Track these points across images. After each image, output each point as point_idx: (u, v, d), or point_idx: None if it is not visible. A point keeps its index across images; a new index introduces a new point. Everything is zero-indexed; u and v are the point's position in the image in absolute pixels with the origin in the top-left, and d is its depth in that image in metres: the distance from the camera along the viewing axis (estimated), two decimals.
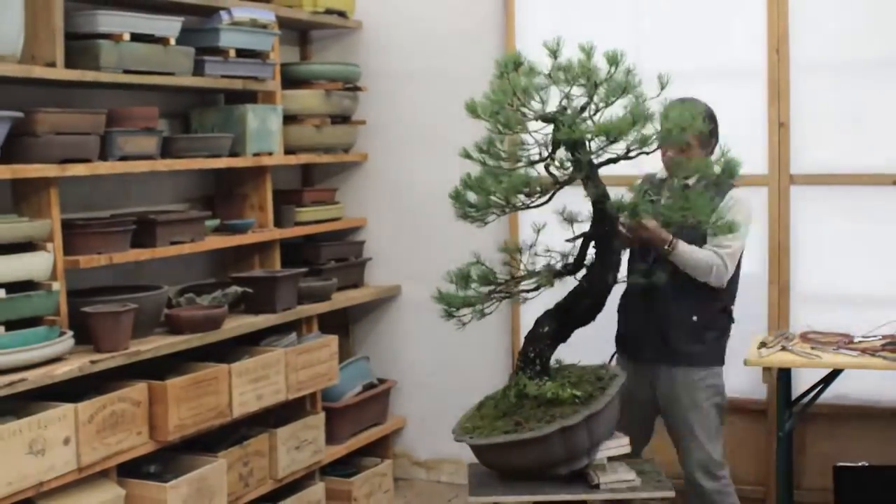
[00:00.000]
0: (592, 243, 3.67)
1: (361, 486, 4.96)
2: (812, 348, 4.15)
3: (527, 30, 5.05)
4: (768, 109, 4.65)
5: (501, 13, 5.11)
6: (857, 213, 4.61)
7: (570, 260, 3.71)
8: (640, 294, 3.98)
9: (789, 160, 4.64)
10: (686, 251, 3.84)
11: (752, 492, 4.72)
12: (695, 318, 3.95)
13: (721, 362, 4.04)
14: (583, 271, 3.68)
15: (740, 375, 4.48)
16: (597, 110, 3.45)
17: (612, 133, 3.38)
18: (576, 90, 3.46)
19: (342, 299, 5.07)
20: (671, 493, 3.66)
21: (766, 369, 4.11)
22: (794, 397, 4.37)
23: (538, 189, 3.51)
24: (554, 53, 3.47)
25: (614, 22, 4.82)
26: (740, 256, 3.97)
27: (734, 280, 4.00)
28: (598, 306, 3.67)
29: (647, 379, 4.05)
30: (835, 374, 4.19)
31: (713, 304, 3.98)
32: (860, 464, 4.37)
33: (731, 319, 4.06)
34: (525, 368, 3.65)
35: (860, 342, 4.18)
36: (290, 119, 4.96)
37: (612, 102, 3.43)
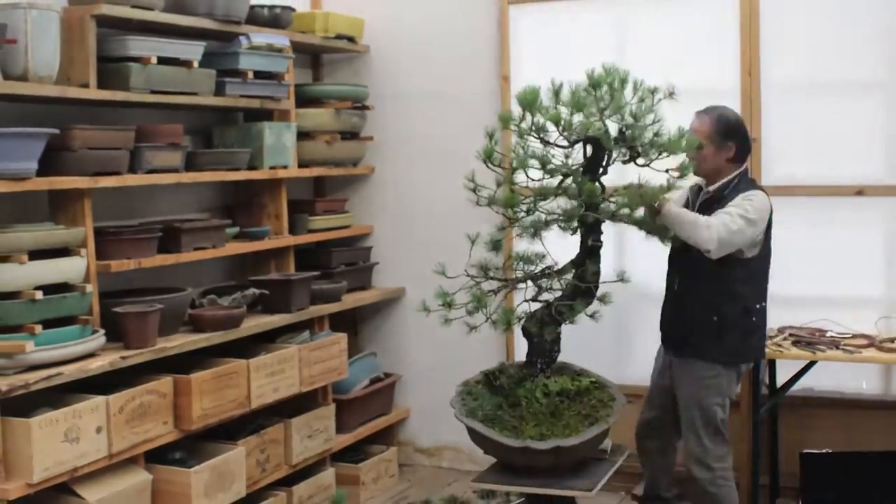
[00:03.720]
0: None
1: (368, 472, 4.96)
2: (794, 343, 4.17)
3: (520, 53, 5.06)
4: None
5: (497, 39, 5.11)
6: (823, 221, 4.62)
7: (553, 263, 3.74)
8: (675, 292, 3.92)
9: (761, 172, 4.63)
10: (673, 211, 3.69)
11: None
12: (715, 318, 3.78)
13: (735, 363, 3.85)
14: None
15: None
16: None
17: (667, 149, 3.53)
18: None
19: (351, 300, 5.07)
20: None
21: None
22: (766, 389, 4.38)
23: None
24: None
25: (599, 46, 4.81)
26: (756, 260, 3.79)
27: (757, 281, 3.83)
28: (589, 303, 3.69)
29: (667, 367, 4.00)
30: (808, 366, 4.21)
31: (734, 305, 3.79)
32: (824, 451, 4.37)
33: (755, 319, 3.84)
34: (545, 368, 3.65)
35: (831, 338, 4.22)
36: (303, 135, 4.95)
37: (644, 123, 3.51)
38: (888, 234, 4.53)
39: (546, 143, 3.53)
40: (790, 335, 4.30)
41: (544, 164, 3.52)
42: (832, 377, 4.53)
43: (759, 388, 4.30)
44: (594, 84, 3.48)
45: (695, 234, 3.65)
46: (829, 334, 4.32)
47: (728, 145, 3.86)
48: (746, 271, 3.81)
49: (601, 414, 3.49)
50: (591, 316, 3.67)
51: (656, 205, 3.69)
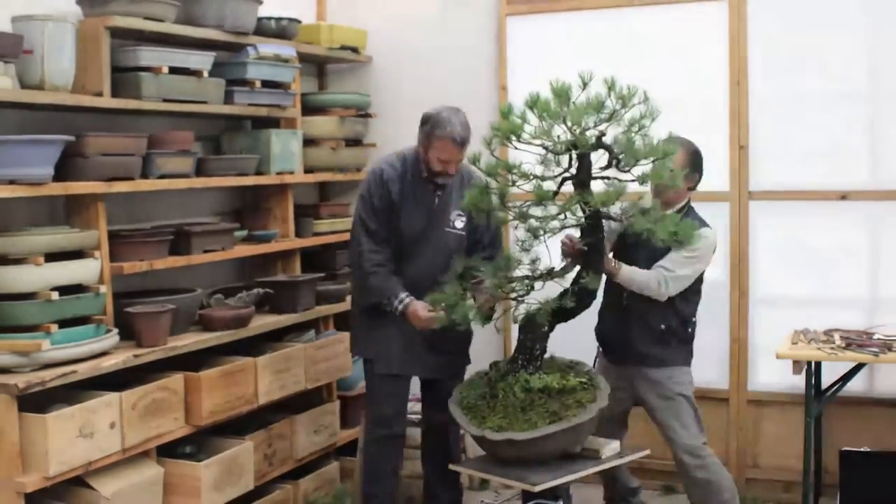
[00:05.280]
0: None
1: None
2: (847, 345, 4.06)
3: (517, 64, 5.07)
4: (730, 133, 4.67)
5: (495, 49, 5.13)
6: (807, 224, 4.63)
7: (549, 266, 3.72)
8: (622, 306, 3.97)
9: (748, 178, 4.65)
10: (627, 273, 3.85)
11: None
12: (662, 326, 3.95)
13: (686, 363, 4.04)
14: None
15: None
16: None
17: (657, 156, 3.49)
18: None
19: None
20: (647, 451, 3.76)
21: (796, 362, 4.02)
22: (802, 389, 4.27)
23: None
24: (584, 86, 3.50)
25: (593, 56, 4.77)
26: (695, 282, 3.95)
27: (693, 299, 4.00)
28: (587, 306, 3.68)
29: (623, 377, 4.02)
30: (857, 367, 4.12)
31: (675, 318, 3.96)
32: (863, 449, 4.31)
33: (690, 331, 4.04)
34: (527, 365, 3.63)
35: (880, 340, 4.11)
36: (309, 142, 4.97)
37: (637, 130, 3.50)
38: (870, 237, 4.53)
39: (546, 149, 3.54)
40: (841, 337, 4.17)
41: (509, 168, 3.57)
42: (869, 377, 4.48)
43: (812, 390, 4.15)
44: (557, 94, 3.49)
45: (648, 291, 3.87)
46: (875, 337, 4.18)
47: (695, 177, 3.97)
48: (686, 290, 3.95)
49: (569, 413, 3.44)
50: (565, 320, 3.66)
51: (613, 268, 3.84)
